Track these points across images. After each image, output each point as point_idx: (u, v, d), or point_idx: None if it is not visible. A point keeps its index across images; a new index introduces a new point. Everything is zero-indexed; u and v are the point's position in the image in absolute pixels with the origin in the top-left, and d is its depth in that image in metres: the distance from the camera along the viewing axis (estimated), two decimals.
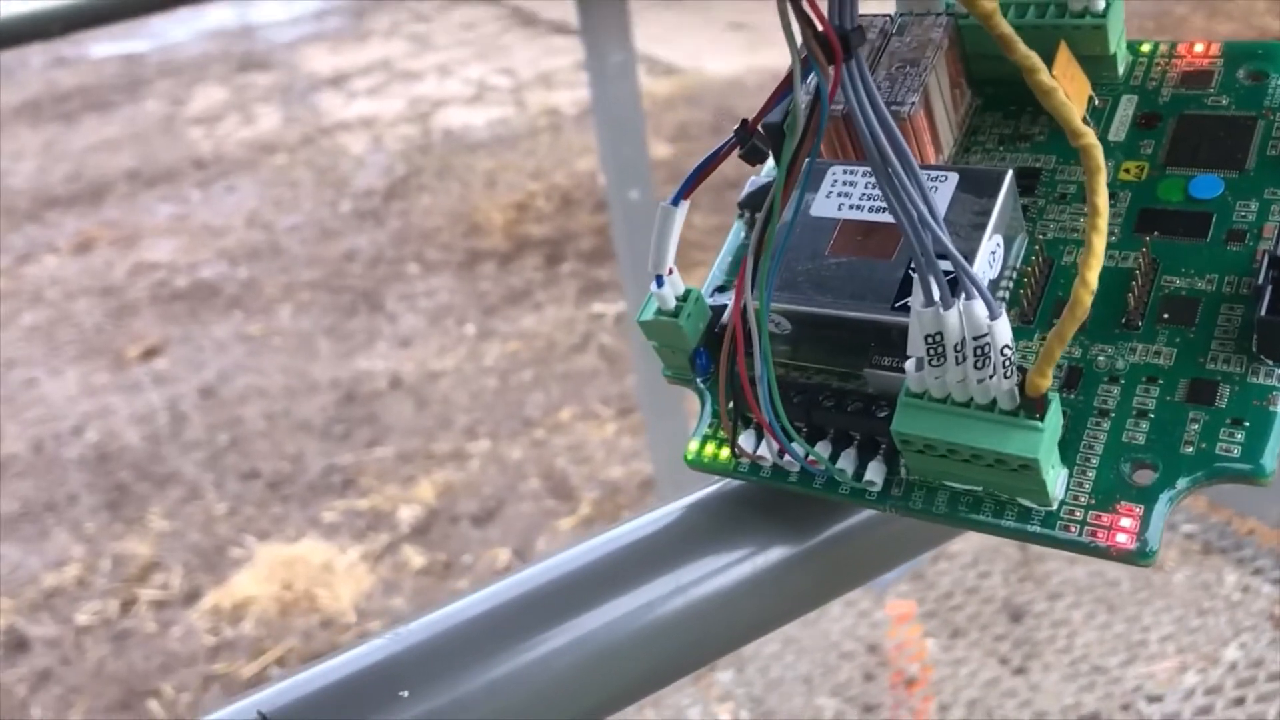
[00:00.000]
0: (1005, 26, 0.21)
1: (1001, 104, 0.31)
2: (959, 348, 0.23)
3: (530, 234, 2.39)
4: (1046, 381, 0.22)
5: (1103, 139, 0.29)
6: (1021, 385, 0.23)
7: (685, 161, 2.51)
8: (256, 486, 1.89)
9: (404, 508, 1.78)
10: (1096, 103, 0.30)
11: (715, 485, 0.30)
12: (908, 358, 0.24)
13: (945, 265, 0.23)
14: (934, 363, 0.23)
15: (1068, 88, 0.29)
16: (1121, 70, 0.30)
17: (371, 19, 3.41)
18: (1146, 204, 0.28)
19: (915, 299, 0.23)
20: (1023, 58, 0.21)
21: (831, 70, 0.21)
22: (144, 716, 1.51)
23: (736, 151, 0.26)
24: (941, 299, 0.22)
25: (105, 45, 3.44)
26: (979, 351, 0.23)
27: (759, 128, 0.26)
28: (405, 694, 0.25)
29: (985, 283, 0.26)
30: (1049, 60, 0.28)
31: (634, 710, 1.12)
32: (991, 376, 0.23)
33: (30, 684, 1.58)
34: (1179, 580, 1.11)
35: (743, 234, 0.31)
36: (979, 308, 0.22)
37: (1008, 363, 0.22)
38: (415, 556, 1.68)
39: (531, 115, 2.80)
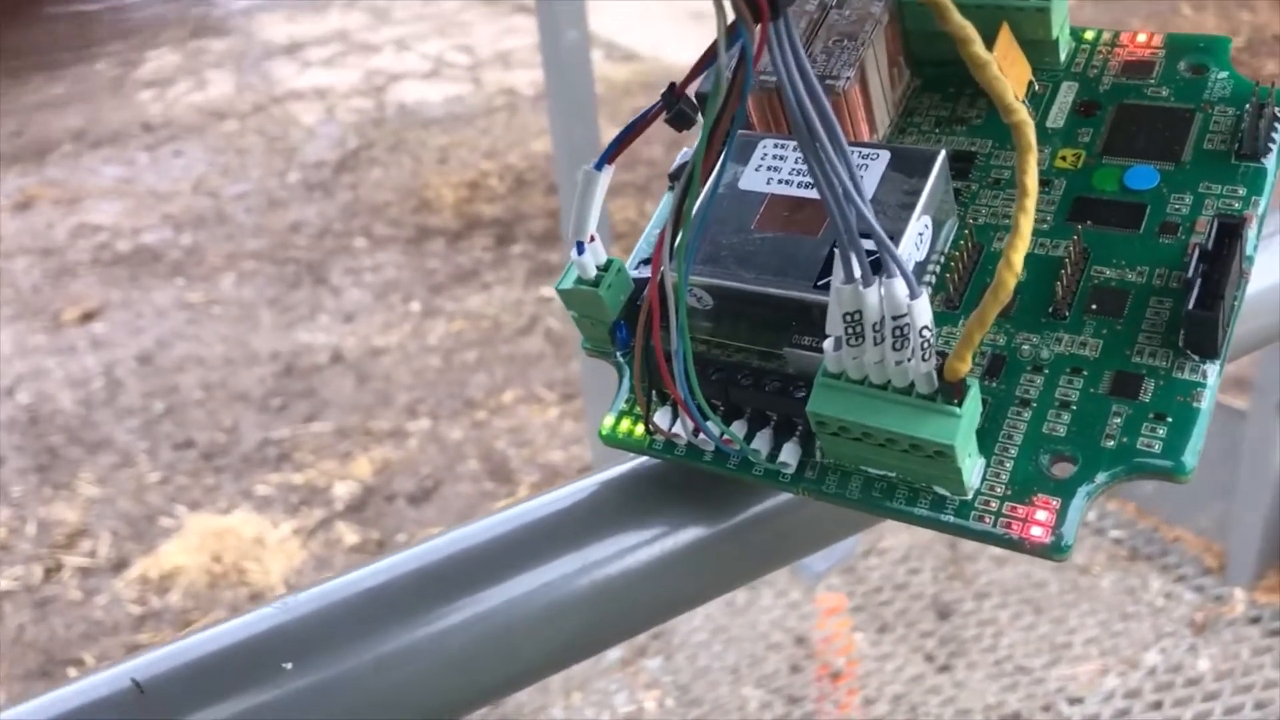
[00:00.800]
0: None
1: (940, 85, 0.30)
2: (877, 327, 0.22)
3: (481, 213, 2.37)
4: (965, 366, 0.22)
5: (1041, 125, 0.29)
6: (940, 369, 0.22)
7: (641, 149, 2.50)
8: (190, 456, 1.86)
9: (339, 484, 1.75)
10: (1037, 88, 0.29)
11: (629, 463, 0.29)
12: (827, 337, 0.23)
13: (869, 245, 0.22)
14: (852, 342, 0.22)
15: (1008, 71, 0.28)
16: (1063, 56, 0.29)
17: None
18: (1081, 192, 0.27)
19: (836, 275, 0.22)
20: (957, 28, 0.20)
21: (758, 30, 0.20)
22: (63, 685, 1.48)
23: (663, 116, 0.25)
24: (862, 276, 0.21)
25: (58, 5, 3.36)
26: (897, 332, 0.22)
27: (685, 93, 0.25)
28: (289, 665, 0.23)
29: (911, 264, 0.25)
30: (990, 42, 0.28)
31: (560, 694, 1.11)
32: (910, 359, 0.22)
33: None
34: (1105, 584, 1.12)
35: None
36: (899, 286, 0.21)
37: (926, 345, 0.22)
38: (349, 534, 1.66)
39: (488, 94, 2.77)
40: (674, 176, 0.30)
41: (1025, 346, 0.25)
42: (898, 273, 0.21)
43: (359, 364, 2.02)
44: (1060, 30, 0.29)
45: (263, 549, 1.67)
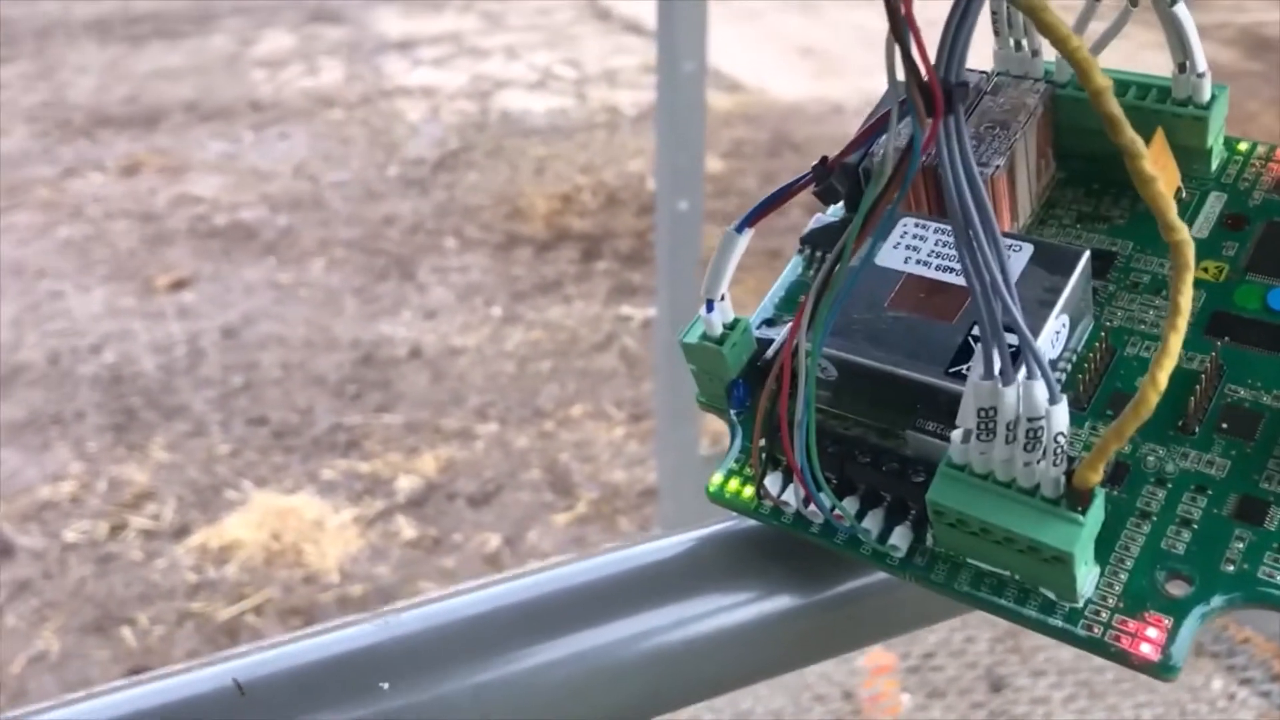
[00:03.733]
0: (1115, 107, 0.20)
1: (1084, 181, 0.30)
2: (1011, 427, 0.22)
3: (571, 226, 2.38)
4: (1096, 477, 0.22)
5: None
6: (1069, 475, 0.22)
7: (736, 179, 2.50)
8: (262, 433, 1.88)
9: (404, 477, 1.77)
10: (1184, 195, 0.29)
11: (727, 522, 0.29)
12: (955, 426, 0.23)
13: (1010, 339, 0.22)
14: (983, 437, 0.22)
15: (1158, 175, 0.28)
16: (1215, 166, 0.29)
17: None
18: (1221, 307, 0.27)
19: (975, 370, 0.22)
20: (1129, 143, 0.20)
21: (930, 123, 0.20)
22: (116, 641, 1.51)
23: (811, 188, 0.25)
24: (1003, 374, 0.21)
25: None
26: (1031, 434, 0.22)
27: (838, 167, 0.25)
28: (386, 686, 0.24)
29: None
30: (1147, 141, 0.28)
31: None
32: (1039, 461, 0.22)
33: (9, 591, 1.58)
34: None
35: (799, 270, 0.30)
36: (1040, 389, 0.21)
37: (1059, 450, 0.22)
38: (407, 527, 1.68)
39: (591, 109, 2.79)
40: (805, 241, 0.30)
41: (1150, 458, 0.25)
42: (1039, 375, 0.21)
43: (435, 361, 2.04)
44: (1215, 139, 0.28)
45: (321, 532, 1.69)
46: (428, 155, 2.59)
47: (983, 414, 0.22)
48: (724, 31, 2.89)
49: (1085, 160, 0.30)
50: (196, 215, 2.42)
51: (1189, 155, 0.29)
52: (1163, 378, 0.21)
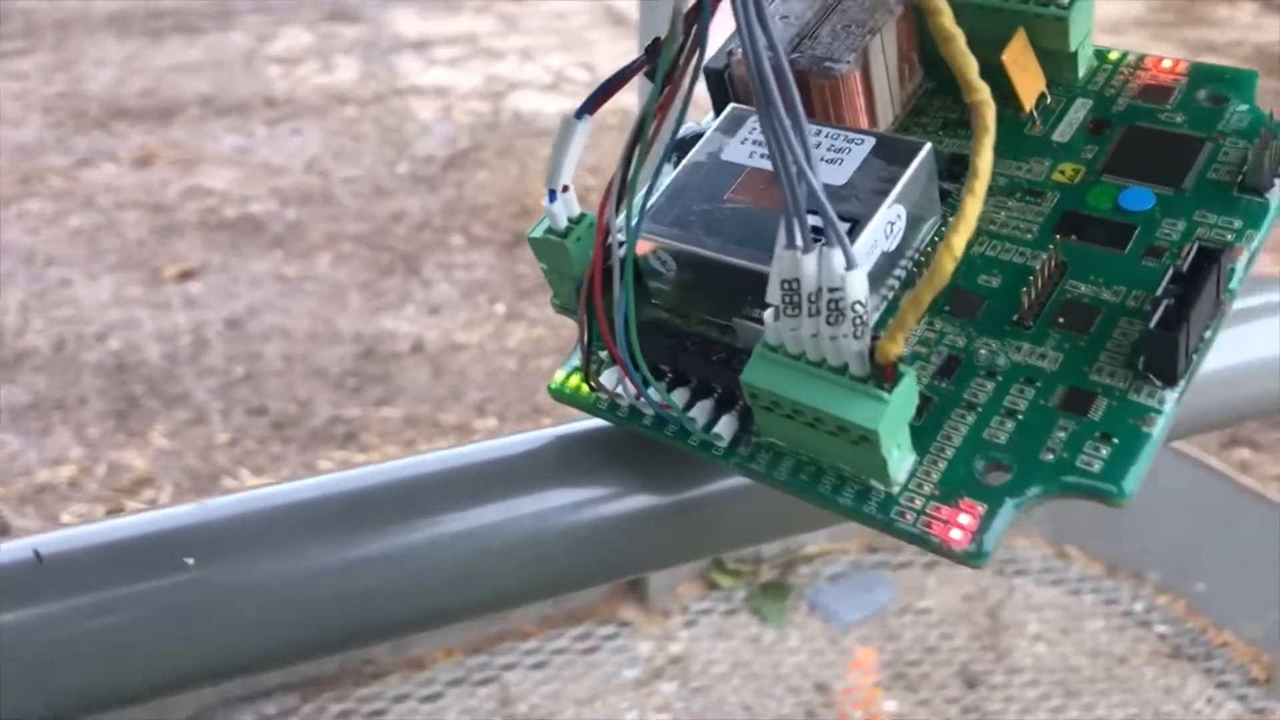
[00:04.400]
0: None
1: (954, 90, 0.29)
2: (813, 298, 0.21)
3: None
4: (897, 349, 0.21)
5: (1046, 138, 0.28)
6: (873, 351, 0.22)
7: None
8: (262, 423, 1.89)
9: None
10: (1049, 101, 0.28)
11: (574, 425, 0.28)
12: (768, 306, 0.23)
13: (818, 222, 0.21)
14: (789, 312, 0.22)
15: (1018, 77, 0.27)
16: (1082, 72, 0.28)
17: None
18: (1073, 207, 0.26)
19: (779, 241, 0.21)
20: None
21: None
22: None
23: (644, 70, 0.24)
24: (802, 242, 0.21)
25: None
26: (833, 305, 0.21)
27: None
28: (190, 561, 0.23)
29: (878, 253, 0.25)
30: (1003, 45, 0.27)
31: (570, 704, 1.10)
32: (845, 336, 0.22)
33: None
34: (1143, 679, 1.08)
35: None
36: (837, 256, 0.21)
37: (859, 320, 0.21)
38: None
39: (602, 112, 2.79)
40: (671, 151, 0.30)
41: (983, 351, 0.24)
42: (836, 242, 0.21)
43: (437, 357, 2.04)
44: (1080, 44, 0.28)
45: None
46: (438, 153, 2.60)
47: (786, 286, 0.21)
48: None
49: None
50: (207, 208, 2.43)
51: (1056, 61, 0.28)
52: (958, 242, 0.20)
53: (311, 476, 0.26)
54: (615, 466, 0.27)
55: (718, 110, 0.29)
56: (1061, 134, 0.28)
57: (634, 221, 0.23)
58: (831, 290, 0.21)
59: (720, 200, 0.26)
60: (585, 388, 0.27)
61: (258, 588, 0.24)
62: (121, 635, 0.23)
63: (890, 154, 0.25)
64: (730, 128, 0.27)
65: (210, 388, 1.94)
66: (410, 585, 0.25)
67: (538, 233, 0.27)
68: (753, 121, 0.27)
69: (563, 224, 0.27)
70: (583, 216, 0.27)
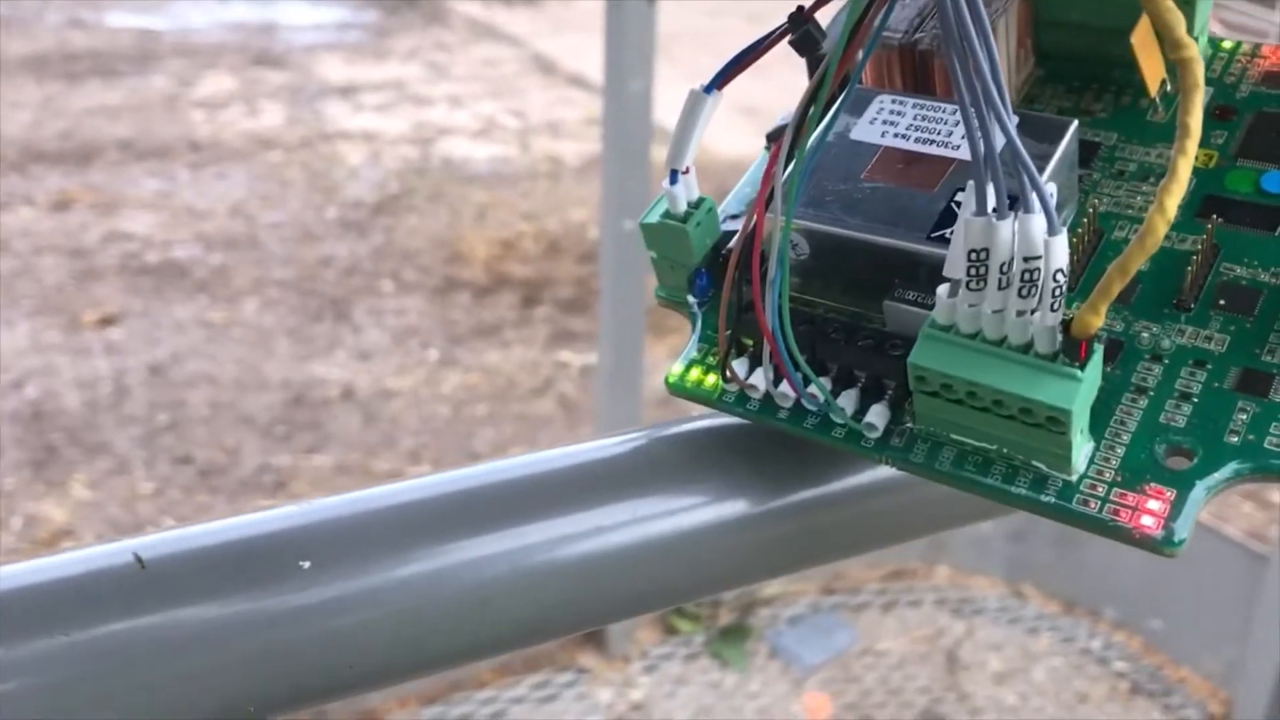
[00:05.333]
0: None
1: (1064, 79, 0.29)
2: (1005, 269, 0.20)
3: (512, 273, 2.37)
4: (1098, 320, 0.20)
5: (1170, 124, 0.27)
6: (1066, 326, 0.20)
7: None
8: (187, 472, 1.83)
9: None
10: (1169, 88, 0.27)
11: (689, 421, 0.27)
12: (941, 282, 0.21)
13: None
14: (973, 285, 0.20)
15: (1144, 61, 0.27)
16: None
17: (394, 39, 3.41)
18: (1212, 191, 0.25)
19: (965, 207, 0.20)
20: None
21: None
22: None
23: (787, 39, 0.23)
24: (998, 207, 0.20)
25: (124, 16, 3.42)
26: (1027, 276, 0.20)
27: (813, 16, 0.23)
28: (306, 564, 0.21)
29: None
30: (1128, 34, 0.26)
31: None
32: (1034, 311, 0.20)
33: None
34: (1102, 717, 1.08)
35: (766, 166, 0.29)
36: (1037, 222, 0.19)
37: (1058, 290, 0.20)
38: None
39: (534, 159, 2.79)
40: (771, 138, 0.29)
41: (1145, 334, 0.23)
42: (1037, 206, 0.19)
43: (368, 403, 2.00)
44: (1200, 31, 0.27)
45: None
46: (367, 198, 2.57)
47: (974, 256, 0.20)
48: (671, 91, 2.91)
49: (1064, 60, 0.29)
50: (128, 252, 2.37)
51: None
52: (1171, 204, 0.19)
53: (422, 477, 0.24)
54: (735, 463, 0.25)
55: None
56: None
57: (795, 198, 0.21)
58: (1028, 259, 0.20)
59: (857, 180, 0.24)
60: (709, 380, 0.25)
61: (373, 590, 0.22)
62: (232, 647, 0.21)
63: (1037, 131, 0.24)
64: (855, 107, 0.26)
65: (133, 436, 1.88)
66: (531, 588, 0.23)
67: (653, 218, 0.25)
68: (881, 101, 0.25)
69: (682, 208, 0.25)
70: (701, 201, 0.25)
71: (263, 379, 2.04)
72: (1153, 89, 0.27)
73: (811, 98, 0.21)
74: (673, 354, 2.11)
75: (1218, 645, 1.09)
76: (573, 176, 2.74)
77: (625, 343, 1.15)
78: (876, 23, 0.20)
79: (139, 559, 0.21)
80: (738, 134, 2.98)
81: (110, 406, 1.96)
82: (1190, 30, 0.27)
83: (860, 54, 0.20)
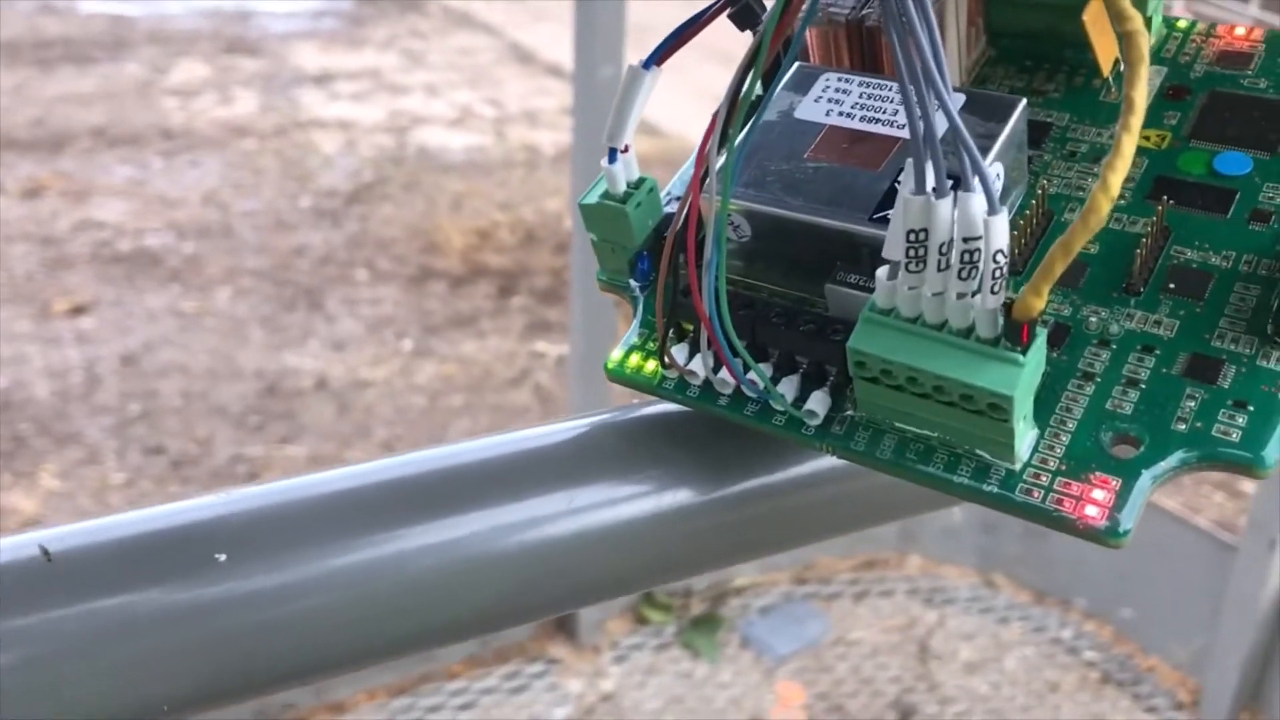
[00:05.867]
0: None
1: (1016, 58, 0.28)
2: (944, 249, 0.19)
3: (487, 262, 2.35)
4: (1041, 302, 0.19)
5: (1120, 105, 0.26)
6: (1008, 309, 0.20)
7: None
8: (159, 462, 1.81)
9: None
10: (1121, 67, 0.27)
11: (631, 409, 0.26)
12: (882, 263, 0.21)
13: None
14: (912, 268, 0.20)
15: (1097, 39, 0.26)
16: (1154, 42, 0.27)
17: (369, 28, 3.38)
18: (1164, 173, 0.25)
19: (904, 186, 0.19)
20: None
21: None
22: None
23: (726, 12, 0.22)
24: (937, 185, 0.19)
25: (96, 2, 3.38)
26: (967, 257, 0.19)
27: None
28: (222, 557, 0.20)
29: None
30: (1079, 12, 0.26)
31: None
32: (975, 293, 0.20)
33: None
34: (1073, 706, 1.08)
35: None
36: (977, 201, 0.19)
37: (998, 272, 0.19)
38: None
39: (510, 148, 2.77)
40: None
41: (1093, 319, 0.23)
42: (978, 187, 0.19)
43: (342, 393, 1.99)
44: (1154, 10, 0.27)
45: None
46: (342, 187, 2.55)
47: (912, 237, 0.19)
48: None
49: (1016, 38, 0.28)
50: (99, 240, 2.34)
51: None
52: (1115, 181, 0.18)
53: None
54: (676, 451, 0.25)
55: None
56: None
57: (731, 177, 0.20)
58: (967, 240, 0.19)
59: (800, 160, 0.24)
60: (649, 366, 0.24)
61: (293, 584, 0.21)
62: (144, 642, 0.20)
63: (984, 109, 0.23)
64: (800, 85, 0.25)
65: (104, 426, 1.86)
66: (462, 582, 0.22)
67: (592, 198, 0.25)
68: (827, 79, 0.25)
69: (621, 188, 0.24)
70: (642, 181, 0.25)
71: (236, 369, 2.03)
72: (1105, 68, 0.26)
73: (746, 70, 0.20)
74: None
75: (1187, 634, 1.09)
76: (549, 166, 2.73)
77: (596, 332, 1.14)
78: (800, 21, 0.19)
79: (45, 551, 0.20)
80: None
81: (81, 396, 1.94)
82: (1144, 9, 0.26)
83: (798, 22, 0.19)
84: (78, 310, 2.15)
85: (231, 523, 0.21)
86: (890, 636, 1.13)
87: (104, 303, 2.17)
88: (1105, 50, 0.26)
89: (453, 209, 2.52)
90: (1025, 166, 0.25)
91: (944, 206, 0.19)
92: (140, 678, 0.20)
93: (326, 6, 3.57)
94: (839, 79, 0.25)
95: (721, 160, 0.20)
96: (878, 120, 0.24)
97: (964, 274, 0.19)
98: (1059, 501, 0.21)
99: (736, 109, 0.20)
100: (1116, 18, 0.18)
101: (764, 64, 0.20)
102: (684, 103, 2.99)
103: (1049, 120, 0.26)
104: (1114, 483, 0.20)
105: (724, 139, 0.20)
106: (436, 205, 2.52)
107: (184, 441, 1.86)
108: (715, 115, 0.21)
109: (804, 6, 0.19)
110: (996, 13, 0.28)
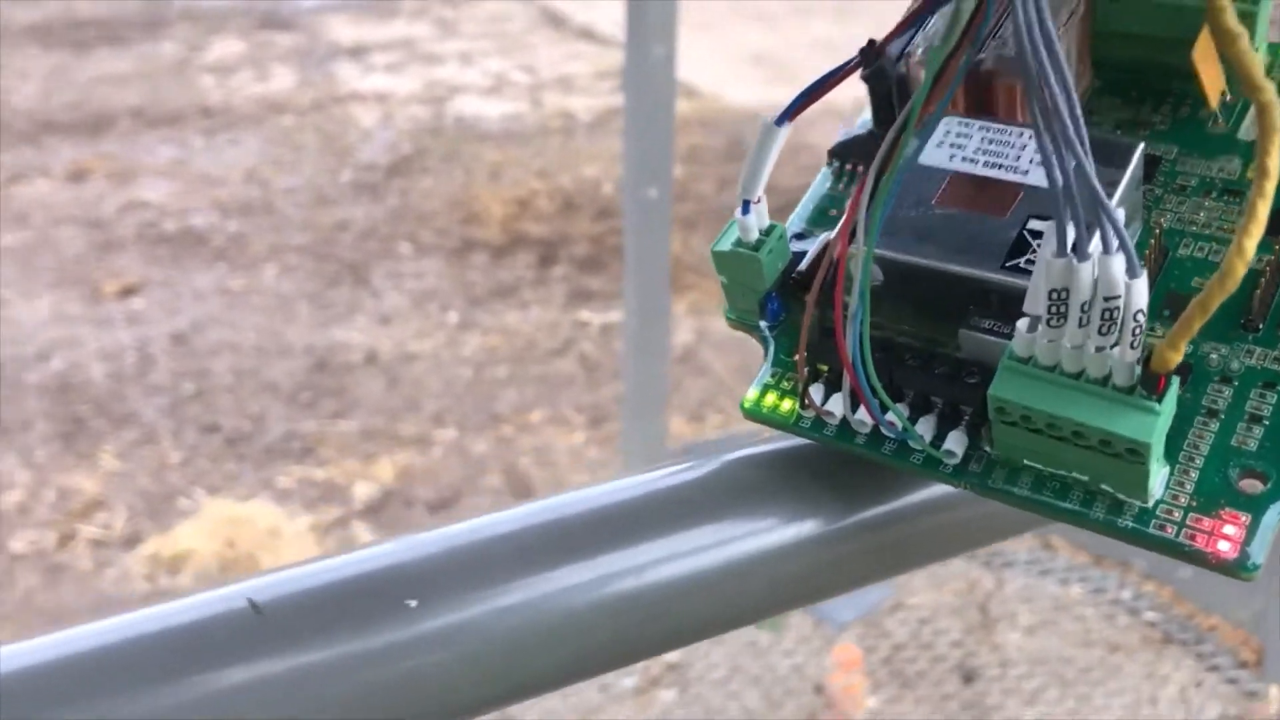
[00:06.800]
0: None
1: (1121, 90, 0.29)
2: (1085, 308, 0.21)
3: (527, 231, 2.37)
4: (1177, 356, 0.20)
5: (1230, 135, 0.27)
6: (1145, 361, 0.21)
7: (692, 184, 2.50)
8: (214, 440, 1.85)
9: (360, 484, 1.74)
10: (1228, 98, 0.28)
11: (757, 447, 0.27)
12: (1011, 324, 0.22)
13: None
14: (1053, 323, 0.21)
15: (1205, 73, 0.27)
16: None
17: None
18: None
19: (1046, 247, 0.21)
20: None
21: None
22: None
23: (860, 72, 0.24)
24: (1078, 249, 0.20)
25: None
26: (1107, 314, 0.20)
27: (886, 50, 0.23)
28: (413, 604, 0.22)
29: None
30: (1187, 45, 0.27)
31: (573, 716, 1.09)
32: (1114, 346, 0.21)
33: None
34: (1135, 666, 1.10)
35: (828, 183, 0.29)
36: (1118, 263, 0.20)
37: (1137, 330, 0.20)
38: (364, 534, 1.65)
39: (546, 115, 2.78)
40: (834, 153, 0.29)
41: (1213, 356, 0.24)
42: (1118, 248, 0.20)
43: (391, 367, 2.01)
44: (1261, 40, 0.27)
45: (277, 540, 1.65)
46: (381, 160, 2.56)
47: (1054, 295, 0.21)
48: (680, 39, 2.89)
49: (1121, 69, 0.29)
50: (145, 221, 2.37)
51: None
52: (1250, 246, 0.19)
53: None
54: (804, 484, 0.26)
55: (878, 114, 0.28)
56: (1247, 132, 0.27)
57: (877, 234, 0.22)
58: (1108, 299, 0.20)
59: (928, 206, 0.25)
60: (785, 405, 0.26)
61: (475, 622, 0.23)
62: (346, 686, 0.21)
63: (1104, 155, 0.24)
64: (923, 131, 0.26)
65: (159, 406, 1.90)
66: (621, 611, 0.24)
67: (724, 245, 0.26)
68: (948, 123, 0.26)
69: (754, 236, 0.26)
70: (773, 228, 0.26)
71: (285, 345, 2.06)
72: (1213, 101, 0.27)
73: (897, 138, 0.21)
74: (692, 310, 2.10)
75: (1248, 593, 1.10)
76: (585, 132, 2.73)
77: (649, 305, 1.16)
78: (960, 64, 0.20)
79: (254, 604, 0.22)
80: (749, 81, 2.96)
81: (135, 377, 1.98)
82: (1252, 39, 0.27)
83: (943, 98, 0.21)
84: (127, 291, 2.19)
85: (417, 568, 0.23)
86: (950, 600, 1.15)
87: (153, 283, 2.20)
88: (1212, 82, 0.27)
89: (491, 178, 2.54)
90: (1141, 203, 0.26)
91: (1085, 268, 0.20)
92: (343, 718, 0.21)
93: None
94: (959, 124, 0.26)
95: (868, 215, 0.22)
96: (1000, 165, 0.25)
97: (1104, 329, 0.21)
98: (1192, 536, 0.22)
99: (887, 171, 0.22)
100: (1250, 88, 0.19)
101: (909, 141, 0.21)
102: (716, 61, 2.98)
103: (1157, 154, 0.27)
104: (1243, 518, 0.22)
105: (874, 197, 0.22)
106: (475, 175, 2.54)
107: (238, 419, 1.89)
108: (867, 173, 0.22)
109: (949, 84, 0.21)
110: (1102, 46, 0.29)
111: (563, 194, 2.49)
